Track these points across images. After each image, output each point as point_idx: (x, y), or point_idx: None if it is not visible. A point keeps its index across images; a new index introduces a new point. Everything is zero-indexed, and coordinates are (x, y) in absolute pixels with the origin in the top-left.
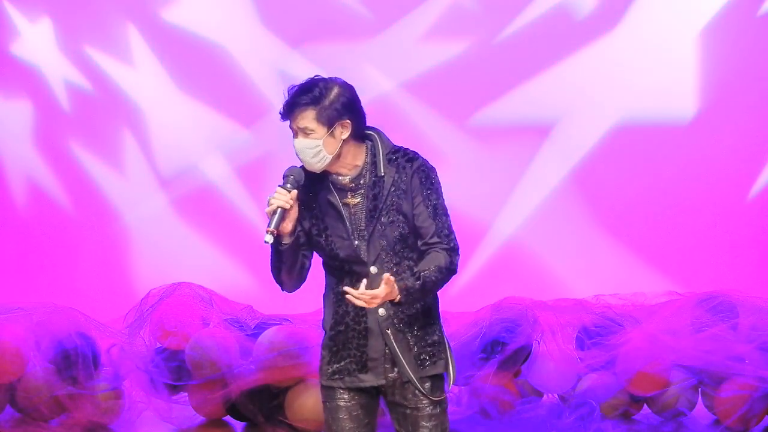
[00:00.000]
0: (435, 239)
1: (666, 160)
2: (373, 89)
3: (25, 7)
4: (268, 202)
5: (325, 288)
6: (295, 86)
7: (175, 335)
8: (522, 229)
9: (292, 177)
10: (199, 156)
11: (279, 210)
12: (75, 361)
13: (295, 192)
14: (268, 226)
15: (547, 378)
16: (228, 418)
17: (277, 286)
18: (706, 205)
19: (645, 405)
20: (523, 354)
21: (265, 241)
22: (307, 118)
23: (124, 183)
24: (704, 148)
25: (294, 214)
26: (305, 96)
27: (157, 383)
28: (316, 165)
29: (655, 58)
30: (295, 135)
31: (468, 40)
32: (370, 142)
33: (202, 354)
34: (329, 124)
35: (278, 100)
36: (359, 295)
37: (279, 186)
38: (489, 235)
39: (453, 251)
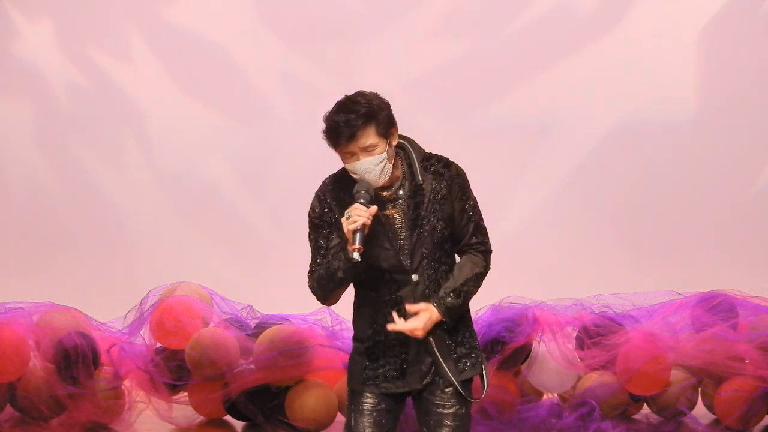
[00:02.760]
0: (474, 240)
1: (666, 159)
2: (373, 89)
3: (25, 7)
4: (348, 219)
5: (357, 298)
6: (332, 111)
7: (175, 335)
8: (522, 229)
9: (365, 192)
10: (199, 156)
11: (360, 227)
12: (75, 360)
13: (374, 208)
14: (353, 243)
15: (547, 378)
16: (228, 417)
17: (317, 301)
18: (706, 205)
19: (645, 405)
20: (523, 354)
21: (354, 260)
22: (370, 134)
23: (124, 183)
24: (704, 148)
25: (367, 230)
26: (360, 115)
27: (157, 383)
28: (381, 180)
29: (655, 58)
30: (354, 156)
31: (468, 39)
32: (402, 151)
33: (202, 353)
34: (386, 135)
35: (278, 100)
36: (401, 328)
37: (359, 203)
38: (489, 234)
39: (489, 253)
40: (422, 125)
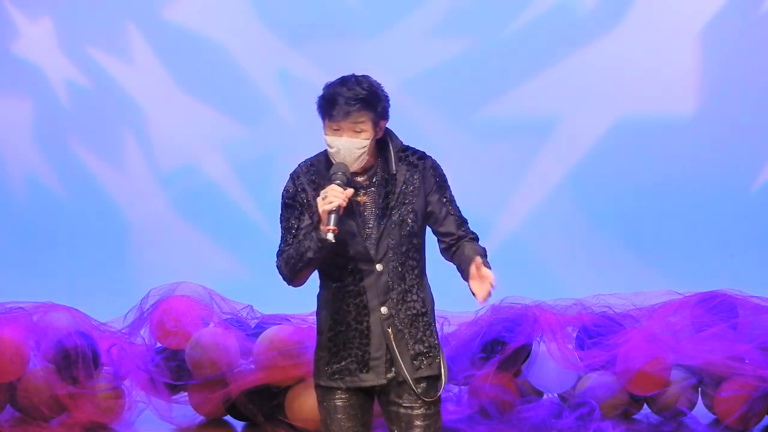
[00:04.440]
0: (461, 232)
1: (665, 159)
2: None
3: (26, 7)
4: (324, 199)
5: (321, 289)
6: (336, 83)
7: (175, 335)
8: (522, 229)
9: (341, 174)
10: (199, 155)
11: (336, 208)
12: (75, 360)
13: (350, 191)
14: (328, 224)
15: (547, 378)
16: (228, 417)
17: (284, 281)
18: (706, 205)
19: (645, 405)
20: (523, 354)
21: (327, 240)
22: (364, 117)
23: (124, 182)
24: (704, 148)
25: (341, 212)
26: (364, 97)
27: (157, 383)
28: (355, 165)
29: (655, 58)
30: (338, 132)
31: (468, 39)
32: (379, 140)
33: (202, 353)
34: (376, 125)
35: (278, 100)
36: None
37: (335, 184)
38: (489, 235)
39: (477, 237)
40: (422, 125)
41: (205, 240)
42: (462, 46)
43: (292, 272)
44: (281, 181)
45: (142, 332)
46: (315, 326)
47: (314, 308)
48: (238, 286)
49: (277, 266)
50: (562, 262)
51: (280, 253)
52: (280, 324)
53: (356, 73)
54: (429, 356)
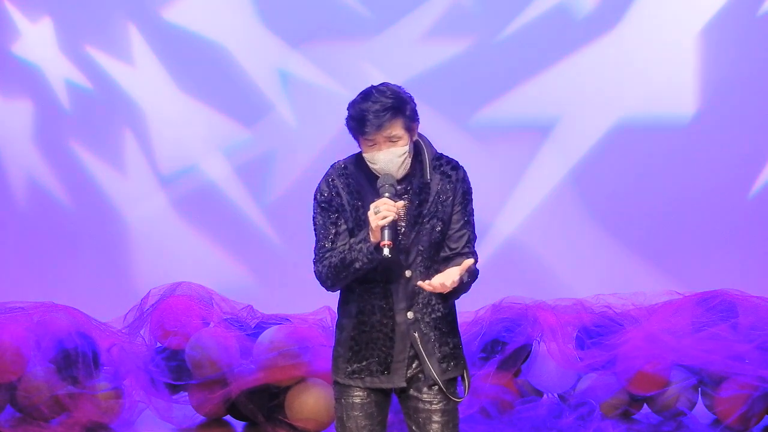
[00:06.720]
0: (465, 249)
1: (666, 159)
2: None
3: (26, 7)
4: (376, 213)
5: (346, 287)
6: (358, 100)
7: (175, 335)
8: (522, 229)
9: (389, 186)
10: (199, 155)
11: (390, 222)
12: (75, 360)
13: (401, 203)
14: (384, 239)
15: (547, 377)
16: (228, 417)
17: (321, 286)
18: (706, 205)
19: (645, 404)
20: (523, 353)
21: (386, 256)
22: (397, 126)
23: (124, 182)
24: (704, 148)
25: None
26: (391, 105)
27: (157, 383)
28: (399, 173)
29: (655, 58)
30: (376, 146)
31: (468, 39)
32: (414, 147)
33: (202, 353)
34: (410, 129)
35: (278, 100)
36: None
37: (385, 197)
38: (489, 234)
39: (477, 259)
40: (422, 126)
41: (205, 240)
42: (462, 46)
43: (336, 280)
44: (281, 182)
45: (142, 332)
46: (315, 326)
47: (314, 308)
48: (238, 286)
49: (316, 272)
50: (562, 262)
51: (319, 260)
52: (280, 324)
53: (373, 84)
54: (455, 357)
